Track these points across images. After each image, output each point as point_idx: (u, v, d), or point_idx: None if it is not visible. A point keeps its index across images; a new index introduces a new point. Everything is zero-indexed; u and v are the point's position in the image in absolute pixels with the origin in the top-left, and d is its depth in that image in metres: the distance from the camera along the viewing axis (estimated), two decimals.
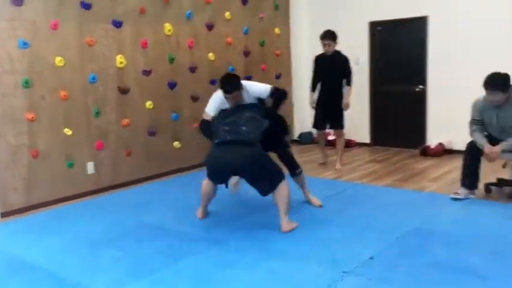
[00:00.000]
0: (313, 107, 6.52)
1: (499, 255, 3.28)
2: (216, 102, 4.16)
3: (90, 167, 5.34)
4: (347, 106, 6.14)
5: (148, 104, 5.85)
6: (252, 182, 3.88)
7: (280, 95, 4.23)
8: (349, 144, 7.23)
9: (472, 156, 4.51)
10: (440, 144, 6.64)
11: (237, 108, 4.01)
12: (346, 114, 6.39)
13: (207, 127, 4.12)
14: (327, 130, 6.66)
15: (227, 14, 6.74)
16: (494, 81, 4.16)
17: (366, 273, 3.09)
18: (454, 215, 4.18)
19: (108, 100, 5.46)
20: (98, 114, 5.35)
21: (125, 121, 5.62)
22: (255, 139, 3.81)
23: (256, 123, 3.88)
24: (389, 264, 3.21)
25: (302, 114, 7.92)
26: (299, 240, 3.70)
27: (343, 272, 3.12)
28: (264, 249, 3.54)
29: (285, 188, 3.86)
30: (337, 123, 6.24)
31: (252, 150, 3.77)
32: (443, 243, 3.54)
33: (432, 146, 6.64)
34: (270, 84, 4.27)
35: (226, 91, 3.99)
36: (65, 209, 4.83)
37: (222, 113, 4.06)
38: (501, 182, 4.80)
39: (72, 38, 5.10)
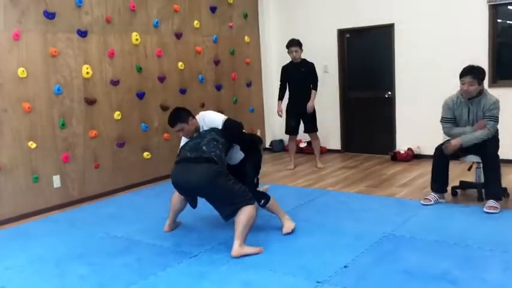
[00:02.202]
0: (280, 115, 6.61)
1: (471, 260, 3.32)
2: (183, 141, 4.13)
3: (56, 181, 5.18)
4: (311, 108, 6.37)
5: (117, 114, 5.73)
6: (212, 204, 3.68)
7: (232, 127, 3.97)
8: (320, 151, 7.24)
9: (440, 160, 4.58)
10: (410, 149, 6.73)
11: (198, 136, 3.95)
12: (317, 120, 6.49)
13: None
14: (298, 137, 6.77)
15: (196, 23, 6.68)
16: (473, 70, 4.33)
17: (341, 283, 3.07)
18: (425, 220, 4.21)
19: (74, 111, 5.31)
20: (63, 126, 5.20)
21: (93, 132, 5.49)
22: (217, 157, 3.66)
23: (217, 143, 3.77)
24: (363, 273, 3.20)
25: (273, 122, 7.92)
26: (271, 251, 3.65)
27: (317, 281, 3.10)
28: (237, 261, 3.48)
29: (247, 212, 3.53)
30: (312, 127, 6.49)
31: (211, 167, 3.56)
32: (415, 249, 3.56)
33: (402, 152, 6.72)
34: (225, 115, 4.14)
35: (169, 125, 4.05)
36: (30, 225, 4.66)
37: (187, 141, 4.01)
38: (465, 185, 4.91)
39: (35, 48, 4.95)
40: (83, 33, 5.35)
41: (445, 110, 4.57)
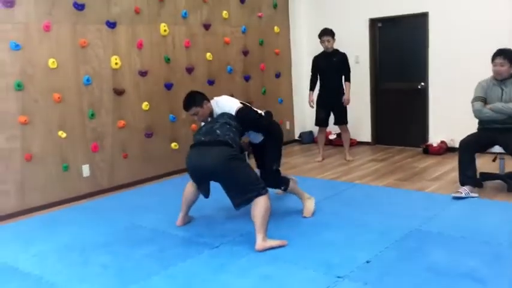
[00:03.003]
0: (311, 106, 6.50)
1: (501, 258, 3.17)
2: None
3: (85, 170, 5.27)
4: (348, 101, 6.27)
5: (145, 105, 5.78)
6: (225, 189, 3.59)
7: (244, 116, 3.90)
8: (351, 143, 7.09)
9: (467, 152, 4.55)
10: (443, 142, 6.52)
11: (212, 120, 3.95)
12: (347, 112, 6.36)
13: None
14: (328, 129, 6.66)
15: (224, 13, 6.65)
16: (503, 51, 4.47)
17: (362, 278, 2.99)
18: (454, 216, 4.06)
19: (103, 102, 5.38)
20: (93, 116, 5.28)
21: (121, 123, 5.55)
22: (231, 140, 3.64)
23: (230, 127, 3.75)
24: (386, 268, 3.11)
25: (302, 114, 7.83)
26: (293, 243, 3.60)
27: (338, 276, 3.03)
28: (257, 254, 3.44)
29: (262, 203, 3.46)
30: (342, 119, 6.37)
31: (226, 150, 3.54)
32: (443, 246, 3.43)
33: (434, 145, 6.52)
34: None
35: (184, 108, 4.00)
36: (58, 213, 4.76)
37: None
38: (488, 176, 4.88)
39: (65, 39, 5.03)
40: (111, 25, 5.40)
41: (478, 89, 4.61)
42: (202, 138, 3.72)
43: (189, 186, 4.03)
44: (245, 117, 3.91)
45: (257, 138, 4.15)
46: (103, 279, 3.22)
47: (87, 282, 3.19)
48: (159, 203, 4.86)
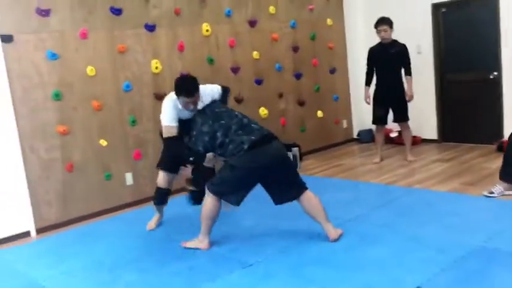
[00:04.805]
0: (367, 102, 6.00)
1: None
2: (173, 111, 3.65)
3: (128, 178, 5.16)
4: (411, 97, 5.71)
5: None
6: (282, 184, 3.52)
7: (226, 91, 3.98)
8: (414, 142, 6.48)
9: None
10: None
11: (212, 113, 3.63)
12: (410, 107, 5.80)
13: (177, 145, 3.68)
14: (388, 126, 6.12)
15: (271, 8, 6.30)
16: None
17: None
18: None
19: (144, 108, 5.24)
20: (134, 122, 5.16)
21: None
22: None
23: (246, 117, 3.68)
24: None
25: (360, 111, 7.30)
26: (333, 261, 3.22)
27: None
28: (291, 275, 3.09)
29: (313, 195, 3.55)
30: (403, 116, 5.80)
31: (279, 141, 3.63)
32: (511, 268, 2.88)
33: None
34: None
35: (189, 93, 3.53)
36: (98, 225, 4.65)
37: (202, 123, 3.58)
38: None
39: (103, 45, 4.93)
40: (151, 28, 5.24)
41: None
42: (253, 138, 3.43)
43: (215, 204, 3.53)
44: (227, 91, 3.99)
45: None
46: None
47: None
48: (199, 215, 4.60)
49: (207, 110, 3.66)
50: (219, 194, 3.50)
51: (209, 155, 3.63)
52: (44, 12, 4.54)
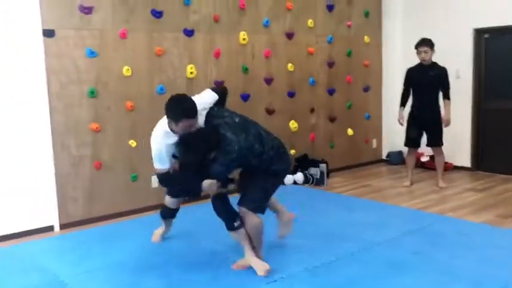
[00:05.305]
0: (401, 124, 5.86)
1: None
2: (164, 147, 3.21)
3: (154, 181, 5.12)
4: (448, 122, 5.57)
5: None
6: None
7: (224, 93, 3.64)
8: (446, 168, 6.29)
9: None
10: None
11: (236, 124, 3.22)
12: (444, 132, 5.66)
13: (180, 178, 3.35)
14: (421, 149, 5.98)
15: (310, 22, 6.24)
16: None
17: None
18: None
19: None
20: None
21: None
22: None
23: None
24: None
25: (392, 132, 7.15)
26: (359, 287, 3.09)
27: None
28: None
29: (251, 218, 3.31)
30: (437, 140, 5.64)
31: None
32: None
33: None
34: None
35: (193, 112, 3.11)
36: (122, 225, 4.62)
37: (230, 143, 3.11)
38: None
39: (141, 47, 4.93)
40: (189, 33, 5.23)
41: None
42: (276, 139, 3.38)
43: (260, 221, 3.34)
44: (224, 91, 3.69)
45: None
46: None
47: None
48: None
49: (225, 125, 3.19)
50: (263, 209, 3.39)
51: (207, 182, 3.19)
52: (87, 10, 4.57)
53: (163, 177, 3.32)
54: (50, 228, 4.52)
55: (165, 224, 4.07)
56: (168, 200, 3.92)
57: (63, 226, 4.56)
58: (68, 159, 4.56)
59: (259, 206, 3.32)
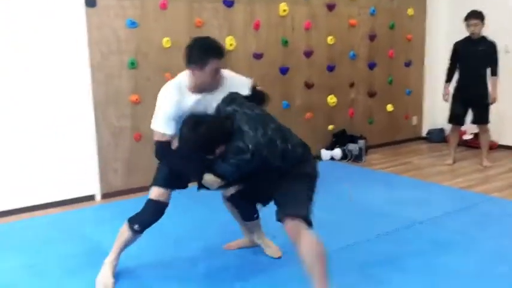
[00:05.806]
0: (445, 100, 5.66)
1: None
2: (175, 104, 2.66)
3: None
4: (495, 100, 5.35)
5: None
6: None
7: (261, 97, 2.94)
8: (491, 146, 6.06)
9: None
10: None
11: (257, 116, 2.53)
12: (490, 110, 5.45)
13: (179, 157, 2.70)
14: (463, 127, 5.78)
15: None
16: None
17: None
18: None
19: None
20: None
21: None
22: None
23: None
24: None
25: (433, 108, 6.94)
26: (405, 264, 3.03)
27: None
28: (362, 275, 2.94)
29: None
30: (483, 118, 5.44)
31: None
32: None
33: None
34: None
35: (222, 51, 2.62)
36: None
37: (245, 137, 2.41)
38: None
39: (181, 18, 4.88)
40: (229, 3, 5.14)
41: None
42: (298, 142, 2.71)
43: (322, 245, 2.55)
44: (263, 96, 2.96)
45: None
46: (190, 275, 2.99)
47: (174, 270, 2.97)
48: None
49: (244, 115, 2.51)
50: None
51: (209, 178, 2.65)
52: None
53: (162, 149, 2.75)
54: (92, 198, 4.61)
55: None
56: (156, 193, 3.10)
57: (104, 195, 4.64)
58: (108, 130, 4.61)
59: (310, 212, 2.50)
